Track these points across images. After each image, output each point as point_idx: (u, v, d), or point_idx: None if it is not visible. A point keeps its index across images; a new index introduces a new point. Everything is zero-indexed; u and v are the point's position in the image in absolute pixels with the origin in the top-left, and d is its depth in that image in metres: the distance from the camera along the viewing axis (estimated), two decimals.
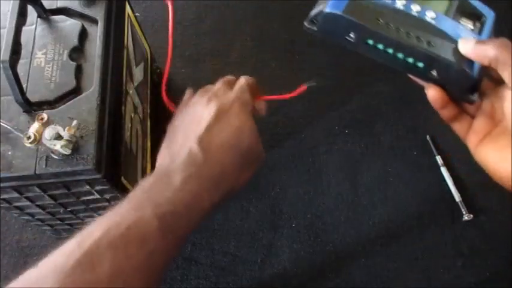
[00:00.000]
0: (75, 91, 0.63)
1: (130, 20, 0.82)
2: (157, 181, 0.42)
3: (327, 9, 0.41)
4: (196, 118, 0.46)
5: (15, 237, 0.90)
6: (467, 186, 0.86)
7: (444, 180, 0.88)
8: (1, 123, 0.59)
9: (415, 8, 0.41)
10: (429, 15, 0.40)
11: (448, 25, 0.40)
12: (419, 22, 0.40)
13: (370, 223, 0.86)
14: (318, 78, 0.46)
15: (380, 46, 0.41)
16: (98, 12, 0.68)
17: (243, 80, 0.53)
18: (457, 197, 0.86)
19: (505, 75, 0.37)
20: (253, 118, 0.47)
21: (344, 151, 0.93)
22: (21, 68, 0.59)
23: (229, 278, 0.84)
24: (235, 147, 0.44)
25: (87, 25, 0.68)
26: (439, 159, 0.89)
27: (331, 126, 0.96)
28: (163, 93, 0.56)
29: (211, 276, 0.84)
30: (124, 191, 0.74)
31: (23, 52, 0.59)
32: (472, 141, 0.43)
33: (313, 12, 0.42)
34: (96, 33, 0.66)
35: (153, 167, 0.93)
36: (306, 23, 0.43)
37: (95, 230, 0.38)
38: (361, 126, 0.95)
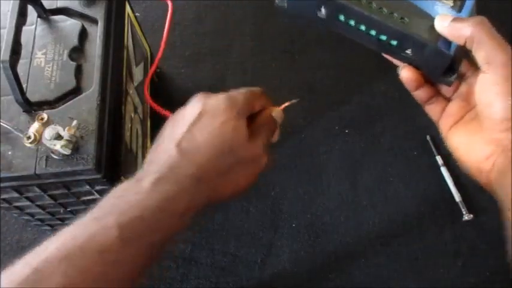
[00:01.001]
0: (75, 91, 0.63)
1: (130, 20, 0.82)
2: (128, 187, 0.38)
3: None
4: (180, 119, 0.42)
5: (15, 237, 0.90)
6: (467, 186, 0.86)
7: (444, 180, 0.88)
8: (1, 123, 0.59)
9: None
10: None
11: (425, 1, 0.38)
12: None
13: (370, 223, 0.86)
14: (298, 94, 0.43)
15: (352, 22, 0.39)
16: (98, 12, 0.68)
17: (246, 89, 0.47)
18: (457, 197, 0.86)
19: (478, 55, 0.35)
20: (244, 120, 0.42)
21: (344, 151, 0.93)
22: (21, 68, 0.59)
23: (229, 278, 0.84)
24: (215, 147, 0.40)
25: (87, 25, 0.68)
26: (439, 159, 0.89)
27: (331, 126, 0.96)
28: (147, 95, 0.55)
29: (211, 276, 0.84)
30: None
31: (23, 52, 0.59)
32: (444, 125, 0.41)
33: None
34: (96, 33, 0.66)
35: None
36: (276, 0, 0.40)
37: (49, 245, 0.34)
38: (361, 126, 0.95)
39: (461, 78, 0.40)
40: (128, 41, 0.78)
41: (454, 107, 0.40)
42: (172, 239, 0.39)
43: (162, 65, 1.03)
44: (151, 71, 0.63)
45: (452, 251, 0.83)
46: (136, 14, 0.89)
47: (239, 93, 0.43)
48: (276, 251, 0.86)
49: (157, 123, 0.95)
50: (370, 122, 0.96)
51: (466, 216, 0.84)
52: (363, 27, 0.39)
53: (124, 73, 0.73)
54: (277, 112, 0.48)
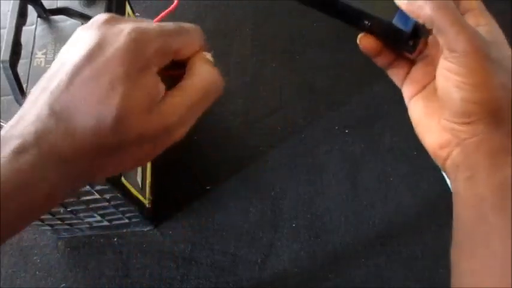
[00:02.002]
0: None
1: None
2: None
3: None
4: (66, 59, 0.30)
5: (15, 237, 0.89)
6: None
7: (444, 180, 0.88)
8: (1, 123, 0.59)
9: None
10: None
11: None
12: None
13: (370, 223, 0.86)
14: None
15: None
16: (98, 12, 0.67)
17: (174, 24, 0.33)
18: None
19: (440, 40, 0.32)
20: (152, 75, 0.30)
21: (344, 151, 0.93)
22: (21, 68, 0.59)
23: (229, 278, 0.84)
24: (99, 119, 0.28)
25: None
26: None
27: (331, 126, 0.96)
28: None
29: (211, 276, 0.84)
30: (124, 191, 0.75)
31: (23, 52, 0.59)
32: (406, 92, 0.38)
33: None
34: None
35: (153, 166, 0.93)
36: None
37: None
38: (361, 126, 0.95)
39: (427, 39, 0.36)
40: None
41: (417, 73, 0.37)
42: (35, 217, 0.29)
43: None
44: None
45: None
46: (137, 14, 0.89)
47: (156, 32, 0.30)
48: (276, 251, 0.85)
49: None
50: (370, 122, 0.96)
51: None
52: None
53: None
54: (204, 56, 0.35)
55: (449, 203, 0.97)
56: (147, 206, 0.86)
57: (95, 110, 0.28)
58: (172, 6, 0.53)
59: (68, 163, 0.28)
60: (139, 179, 0.84)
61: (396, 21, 0.34)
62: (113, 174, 0.31)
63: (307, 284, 0.83)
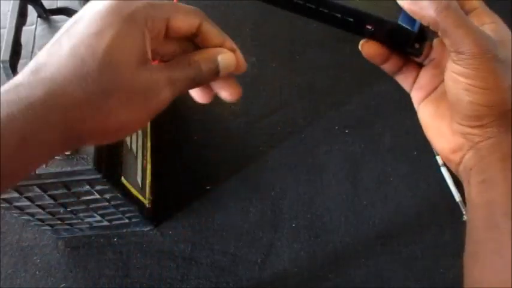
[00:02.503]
0: None
1: None
2: None
3: None
4: (72, 19, 0.30)
5: (15, 237, 0.90)
6: None
7: (444, 180, 0.88)
8: None
9: None
10: None
11: None
12: None
13: (370, 223, 0.86)
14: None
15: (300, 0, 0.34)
16: None
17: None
18: (457, 197, 0.86)
19: (446, 42, 0.31)
20: (141, 32, 0.29)
21: (344, 151, 0.93)
22: (21, 68, 0.58)
23: (229, 278, 0.84)
24: (83, 61, 0.27)
25: None
26: (439, 159, 0.89)
27: (331, 126, 0.96)
28: None
29: (211, 276, 0.84)
30: (124, 191, 0.75)
31: (23, 52, 0.59)
32: (415, 97, 0.36)
33: None
34: None
35: (153, 166, 0.93)
36: None
37: None
38: (361, 126, 0.95)
39: (431, 42, 0.35)
40: None
41: (425, 76, 0.36)
42: (9, 170, 0.26)
43: None
44: None
45: (452, 251, 0.83)
46: None
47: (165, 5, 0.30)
48: (276, 251, 0.85)
49: (157, 122, 0.95)
50: (370, 122, 0.96)
51: (466, 216, 0.84)
52: (312, 5, 0.34)
53: None
54: (223, 56, 0.32)
55: (450, 203, 0.97)
56: (147, 206, 0.86)
57: (80, 52, 0.27)
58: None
59: (54, 108, 0.26)
60: (139, 179, 0.84)
61: (401, 22, 0.32)
62: (108, 133, 0.29)
63: (307, 284, 0.83)
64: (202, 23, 0.31)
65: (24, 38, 0.58)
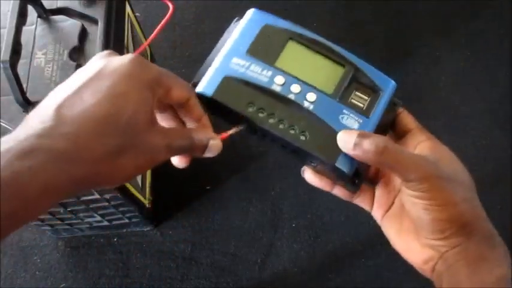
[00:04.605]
0: None
1: (131, 20, 0.82)
2: None
3: (198, 89, 0.36)
4: (74, 77, 0.32)
5: (15, 237, 0.90)
6: None
7: None
8: (1, 123, 0.59)
9: (294, 89, 0.36)
10: (309, 98, 0.35)
11: (329, 110, 0.35)
12: (296, 107, 0.35)
13: (370, 223, 0.86)
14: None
15: (258, 132, 0.37)
16: (98, 12, 0.68)
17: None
18: None
19: (394, 174, 0.35)
20: (151, 96, 0.32)
21: None
22: (21, 68, 0.59)
23: (229, 278, 0.84)
24: (104, 119, 0.29)
25: (87, 25, 0.68)
26: None
27: None
28: None
29: (211, 276, 0.84)
30: (124, 191, 0.75)
31: (23, 52, 0.59)
32: (376, 214, 0.40)
33: (192, 83, 0.37)
34: (96, 33, 0.66)
35: None
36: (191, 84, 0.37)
37: None
38: None
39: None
40: (128, 41, 0.78)
41: (381, 195, 0.39)
42: (19, 224, 0.28)
43: (162, 64, 1.03)
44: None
45: None
46: (137, 14, 0.89)
47: (153, 65, 0.33)
48: (276, 251, 0.85)
49: None
50: None
51: None
52: (267, 138, 0.37)
53: None
54: (214, 142, 0.37)
55: None
56: (147, 206, 0.86)
57: (104, 110, 0.29)
58: (169, 13, 0.54)
59: (72, 161, 0.28)
60: (139, 179, 0.84)
61: (339, 164, 0.34)
62: (114, 183, 0.32)
63: (307, 284, 0.83)
64: (191, 97, 0.35)
65: (24, 38, 0.58)
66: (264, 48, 0.38)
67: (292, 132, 0.35)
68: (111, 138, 0.30)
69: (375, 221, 0.88)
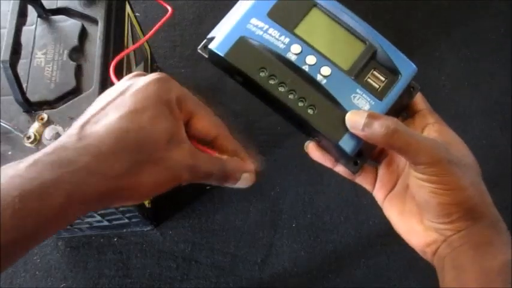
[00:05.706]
0: (75, 91, 0.63)
1: (131, 20, 0.82)
2: (11, 164, 0.29)
3: (211, 46, 0.35)
4: (102, 96, 0.33)
5: None
6: None
7: None
8: (1, 123, 0.59)
9: (310, 61, 0.34)
10: (323, 72, 0.34)
11: (342, 87, 0.34)
12: (309, 80, 0.34)
13: (370, 223, 0.86)
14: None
15: (262, 96, 0.36)
16: (98, 12, 0.68)
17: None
18: None
19: (403, 157, 0.34)
20: (174, 115, 0.32)
21: None
22: (21, 68, 0.59)
23: (229, 278, 0.84)
24: (126, 136, 0.30)
25: (87, 25, 0.68)
26: None
27: None
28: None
29: (211, 276, 0.84)
30: None
31: (23, 52, 0.59)
32: (378, 195, 0.39)
33: (207, 39, 0.36)
34: (96, 33, 0.66)
35: None
36: (198, 48, 0.36)
37: None
38: None
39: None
40: (128, 41, 0.78)
41: (383, 175, 0.39)
42: (46, 234, 0.29)
43: (162, 64, 1.03)
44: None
45: None
46: (137, 14, 0.89)
47: (177, 83, 0.33)
48: (276, 251, 0.85)
49: None
50: None
51: None
52: (274, 105, 0.37)
53: (124, 73, 0.73)
54: (247, 175, 0.35)
55: None
56: (147, 206, 0.86)
57: (126, 125, 0.30)
58: (167, 14, 0.54)
59: (93, 174, 0.29)
60: None
61: (343, 143, 0.34)
62: (135, 200, 0.32)
63: (307, 284, 0.83)
64: (219, 136, 0.34)
65: (24, 38, 0.58)
66: (286, 13, 0.36)
67: (300, 104, 0.34)
68: (130, 154, 0.30)
69: (375, 221, 0.88)
